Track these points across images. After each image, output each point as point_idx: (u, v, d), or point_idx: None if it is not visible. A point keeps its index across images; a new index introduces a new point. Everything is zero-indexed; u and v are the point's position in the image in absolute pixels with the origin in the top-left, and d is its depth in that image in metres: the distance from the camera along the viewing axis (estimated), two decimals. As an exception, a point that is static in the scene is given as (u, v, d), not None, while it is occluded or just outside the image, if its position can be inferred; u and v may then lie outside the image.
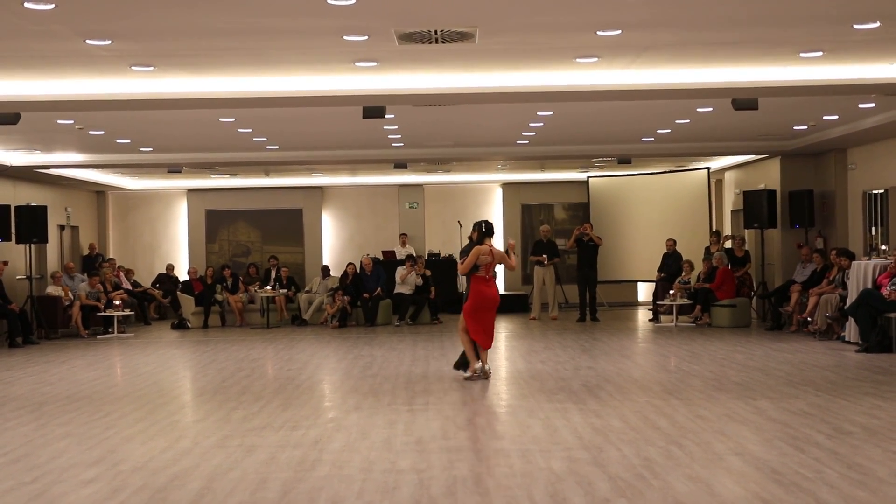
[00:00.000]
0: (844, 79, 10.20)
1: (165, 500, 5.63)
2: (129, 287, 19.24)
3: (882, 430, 7.26)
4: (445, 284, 19.87)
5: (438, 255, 21.03)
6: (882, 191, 15.44)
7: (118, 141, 14.83)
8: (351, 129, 14.13)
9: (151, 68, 9.47)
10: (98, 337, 16.39)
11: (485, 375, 10.24)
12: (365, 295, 17.96)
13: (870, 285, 12.58)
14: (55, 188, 19.59)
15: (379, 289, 18.06)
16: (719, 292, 16.43)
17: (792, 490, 5.55)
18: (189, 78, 10.05)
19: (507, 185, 22.47)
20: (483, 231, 10.39)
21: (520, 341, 14.47)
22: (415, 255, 19.46)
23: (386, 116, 11.48)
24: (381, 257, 20.11)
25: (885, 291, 12.19)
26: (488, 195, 22.64)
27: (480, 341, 10.28)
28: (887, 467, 6.07)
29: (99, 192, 22.03)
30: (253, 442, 7.25)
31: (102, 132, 13.79)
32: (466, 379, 10.25)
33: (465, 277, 10.69)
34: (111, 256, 21.21)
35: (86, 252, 20.94)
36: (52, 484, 6.07)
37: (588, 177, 20.92)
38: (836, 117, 13.78)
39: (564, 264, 21.32)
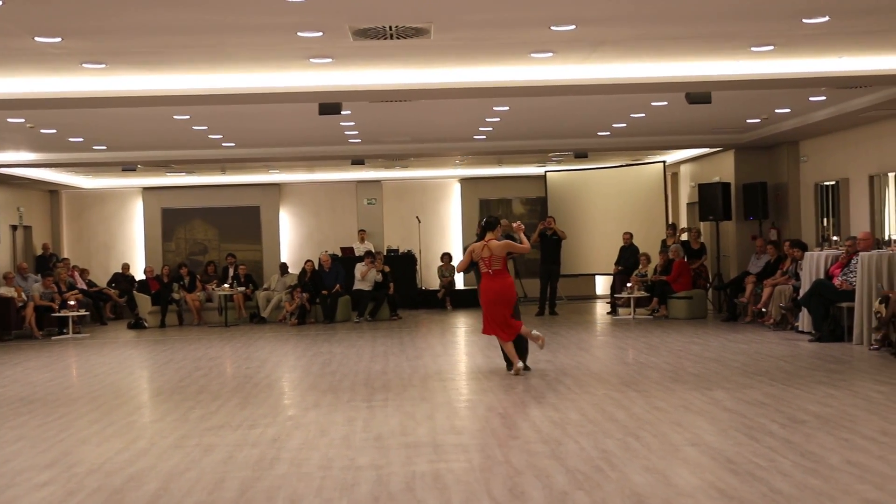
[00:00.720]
0: (795, 72, 10.34)
1: (121, 501, 5.58)
2: (85, 287, 19.01)
3: (834, 418, 7.38)
4: (404, 280, 19.86)
5: (397, 251, 21.02)
6: (833, 182, 15.68)
7: (71, 139, 14.65)
8: (307, 126, 14.07)
9: (103, 66, 9.35)
10: (53, 338, 16.17)
11: (515, 372, 10.05)
12: (324, 292, 17.90)
13: (822, 276, 12.77)
14: (7, 187, 19.30)
15: (338, 285, 18.01)
16: (676, 284, 16.59)
17: (746, 479, 5.63)
18: (142, 75, 9.95)
19: (465, 181, 22.50)
20: (483, 226, 10.47)
21: (478, 336, 14.47)
22: (374, 251, 19.44)
23: (342, 112, 11.45)
24: (339, 254, 20.06)
25: (836, 282, 12.37)
26: (446, 191, 22.66)
27: (497, 335, 10.22)
28: (839, 455, 6.17)
29: (52, 192, 21.73)
30: (210, 441, 7.21)
31: (54, 130, 13.61)
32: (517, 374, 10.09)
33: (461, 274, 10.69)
34: (65, 256, 20.94)
35: (39, 252, 20.66)
36: (4, 488, 5.99)
37: (545, 171, 21.02)
38: (787, 110, 13.97)
39: (523, 259, 21.38)
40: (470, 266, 10.52)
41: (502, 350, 10.36)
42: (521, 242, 10.43)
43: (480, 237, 10.47)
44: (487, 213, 21.98)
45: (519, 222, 10.80)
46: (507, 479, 5.80)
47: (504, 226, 10.86)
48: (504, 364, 10.42)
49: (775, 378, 9.44)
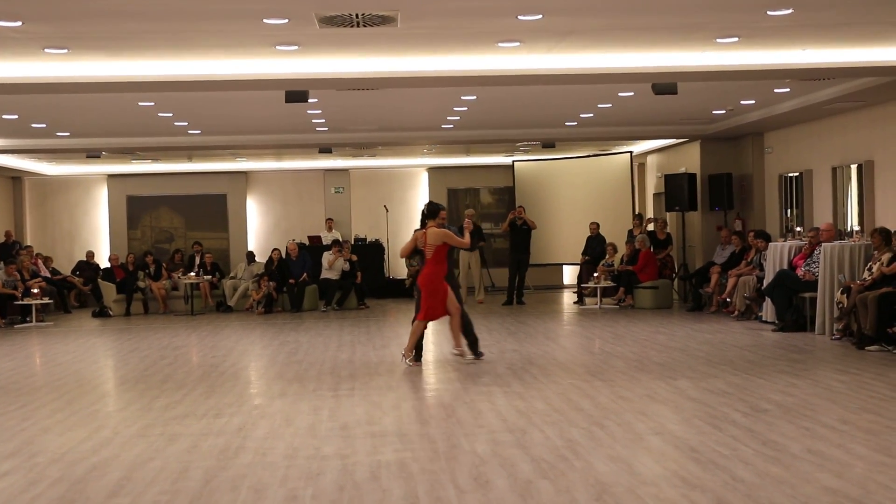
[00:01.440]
0: (759, 64, 10.42)
1: (83, 491, 5.54)
2: (48, 275, 18.80)
3: (796, 407, 7.47)
4: (372, 270, 19.83)
5: (365, 239, 20.98)
6: (797, 174, 15.83)
7: (33, 125, 14.46)
8: (274, 114, 13.99)
9: (65, 51, 9.23)
10: (16, 326, 15.99)
11: (461, 353, 10.38)
12: (291, 280, 17.83)
13: (786, 266, 12.90)
14: (-32, 174, 19.03)
15: (305, 274, 17.95)
16: (642, 274, 16.69)
17: (709, 468, 5.68)
18: (105, 61, 9.82)
19: (433, 170, 22.48)
20: (424, 214, 10.50)
21: (446, 325, 14.48)
22: (341, 240, 19.39)
23: (309, 100, 11.38)
24: (307, 242, 19.99)
25: (800, 272, 12.51)
26: (414, 179, 22.63)
27: (432, 316, 10.32)
28: (800, 443, 6.24)
29: (15, 178, 21.46)
30: (175, 430, 7.17)
31: (16, 116, 13.43)
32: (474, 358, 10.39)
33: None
34: (28, 244, 20.68)
35: (2, 240, 20.39)
36: (-35, 478, 5.92)
37: (513, 161, 21.05)
38: (752, 102, 14.07)
39: (490, 248, 21.44)
40: (413, 252, 10.71)
41: (456, 330, 10.41)
42: (462, 237, 10.50)
43: (422, 225, 10.55)
44: (455, 203, 22.11)
45: (468, 221, 10.97)
46: (472, 468, 5.82)
47: (469, 214, 10.88)
48: (462, 349, 10.46)
49: (739, 367, 9.54)
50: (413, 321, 10.47)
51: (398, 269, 21.57)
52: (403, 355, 10.34)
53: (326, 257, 18.14)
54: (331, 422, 7.37)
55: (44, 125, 14.51)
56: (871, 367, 9.40)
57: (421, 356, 10.47)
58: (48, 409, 8.28)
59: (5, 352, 12.59)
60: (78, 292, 19.54)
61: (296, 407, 8.04)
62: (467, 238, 10.58)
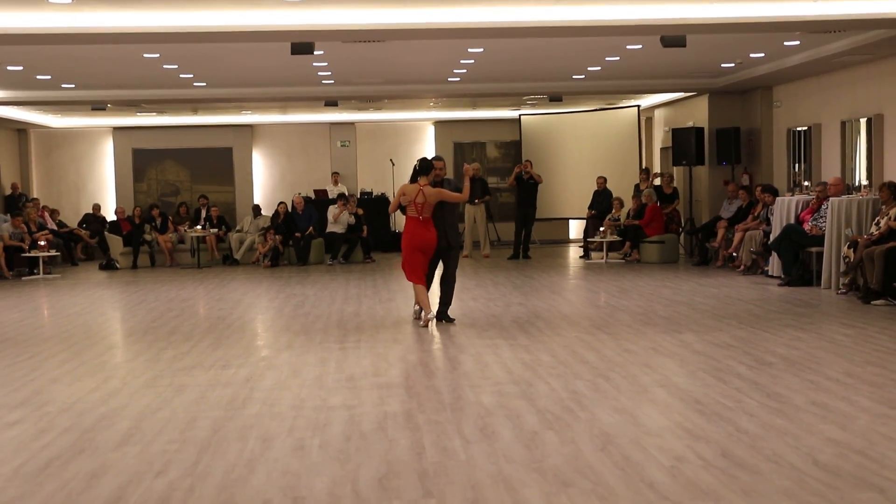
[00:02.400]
0: (769, 16, 10.31)
1: (93, 440, 5.59)
2: (55, 227, 18.84)
3: (801, 360, 7.49)
4: (378, 223, 19.83)
5: (371, 193, 20.95)
6: (805, 128, 15.74)
7: (38, 77, 14.39)
8: (280, 66, 13.90)
9: (70, 1, 9.16)
10: (23, 278, 16.05)
11: (423, 321, 9.67)
12: (297, 234, 17.85)
13: (793, 221, 12.87)
14: (-26, 126, 18.99)
15: (311, 228, 17.96)
16: (648, 229, 16.67)
17: (713, 419, 5.72)
18: (110, 12, 9.75)
19: (439, 123, 22.37)
20: (416, 169, 9.86)
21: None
22: (347, 193, 19.37)
23: (315, 53, 11.30)
24: (312, 196, 19.97)
25: (807, 227, 12.48)
26: (420, 133, 22.54)
27: (407, 276, 9.94)
28: (804, 395, 6.27)
29: (20, 130, 21.41)
30: (183, 382, 7.22)
31: (21, 68, 13.37)
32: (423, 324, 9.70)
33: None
34: (35, 196, 20.71)
35: (8, 192, 20.42)
36: (-24, 427, 5.99)
37: (520, 115, 20.93)
38: (762, 55, 13.95)
39: (497, 203, 21.41)
40: (400, 207, 9.97)
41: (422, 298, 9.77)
42: (463, 189, 9.88)
43: (413, 180, 9.83)
44: (461, 157, 22.04)
45: (467, 166, 10.31)
46: (477, 419, 5.86)
47: (474, 169, 10.19)
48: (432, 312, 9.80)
49: (744, 321, 9.56)
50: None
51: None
52: (417, 318, 9.87)
53: (332, 211, 18.14)
54: (337, 373, 7.42)
55: (49, 77, 14.45)
56: (877, 321, 9.41)
57: (446, 309, 9.95)
58: (57, 359, 8.34)
59: (13, 303, 12.65)
60: (84, 245, 19.59)
61: (302, 359, 8.08)
62: (467, 186, 9.92)
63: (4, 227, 16.84)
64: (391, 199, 20.98)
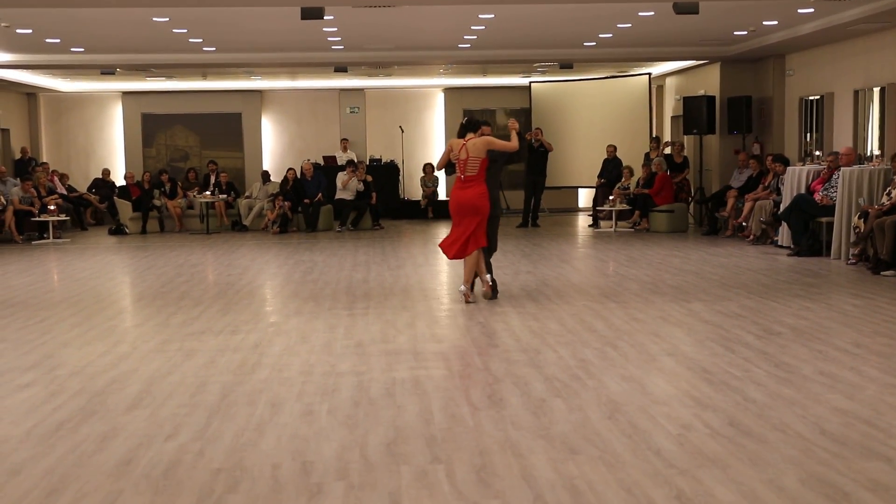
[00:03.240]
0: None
1: (104, 403, 5.63)
2: (64, 192, 18.87)
3: (809, 330, 7.49)
4: (387, 190, 19.81)
5: (380, 160, 20.90)
6: (818, 97, 15.62)
7: (48, 40, 14.35)
8: (289, 31, 13.83)
9: (79, -36, 9.12)
10: (33, 242, 16.11)
11: (465, 298, 9.00)
12: (306, 200, 17.85)
13: (803, 191, 12.81)
14: (-17, 90, 18.98)
15: (320, 194, 17.95)
16: (658, 198, 16.62)
17: (721, 388, 5.73)
18: (119, -25, 9.71)
19: (449, 90, 22.27)
20: (463, 125, 9.11)
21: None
22: (356, 160, 19.32)
23: (325, 17, 11.24)
24: (321, 162, 19.94)
25: (817, 197, 12.43)
26: (430, 100, 22.44)
27: (444, 250, 9.17)
28: (812, 365, 6.28)
29: (30, 94, 21.38)
30: (192, 346, 7.26)
31: (30, 31, 13.32)
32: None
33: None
34: (44, 160, 20.72)
35: (18, 156, 20.44)
36: (-13, 389, 6.03)
37: (530, 82, 20.82)
38: (775, 23, 13.82)
39: (506, 171, 21.30)
40: (449, 164, 9.20)
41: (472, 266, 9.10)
42: (511, 139, 9.09)
43: (461, 136, 9.08)
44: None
45: (513, 121, 9.42)
46: (486, 386, 5.88)
47: (511, 127, 9.41)
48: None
49: (753, 291, 9.55)
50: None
51: (413, 190, 21.54)
52: (464, 294, 9.03)
53: (341, 177, 18.12)
54: (346, 339, 7.44)
55: (58, 40, 14.41)
56: (886, 291, 9.39)
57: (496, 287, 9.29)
58: (67, 323, 8.38)
59: (24, 267, 12.71)
60: (94, 210, 19.63)
61: (311, 325, 8.11)
62: (514, 136, 9.10)
63: (14, 191, 16.88)
64: (400, 166, 21.00)
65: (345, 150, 20.72)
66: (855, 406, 5.30)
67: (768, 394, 5.58)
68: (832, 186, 12.24)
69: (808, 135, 16.13)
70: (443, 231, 17.11)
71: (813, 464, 4.35)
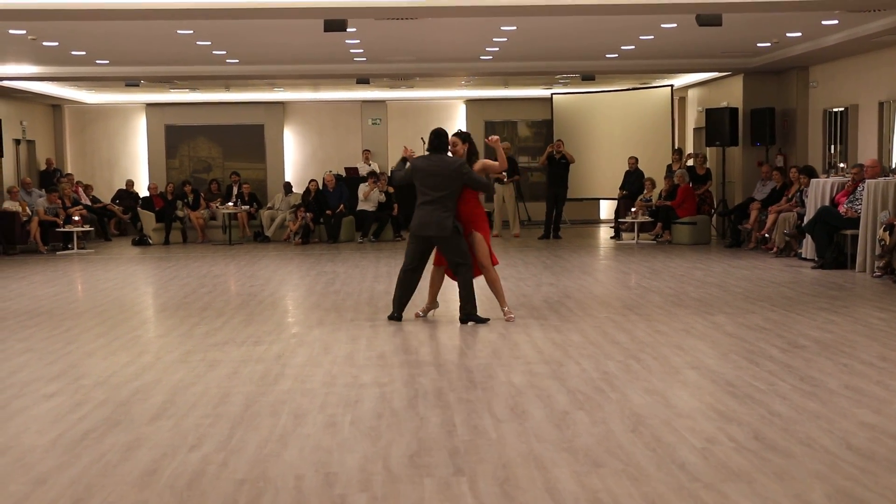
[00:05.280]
0: (809, -5, 10.17)
1: (128, 413, 5.66)
2: (89, 203, 19.02)
3: (834, 343, 7.43)
4: (409, 201, 19.77)
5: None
6: (842, 109, 15.53)
7: (73, 53, 14.49)
8: (312, 43, 13.90)
9: (105, -23, 9.21)
10: (57, 253, 16.23)
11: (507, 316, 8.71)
12: (328, 212, 17.90)
13: (827, 203, 12.73)
14: (9, 101, 19.16)
15: (342, 205, 18.00)
16: (680, 210, 16.56)
17: (745, 402, 5.69)
18: (145, -12, 9.80)
19: (470, 102, 22.30)
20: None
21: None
22: (378, 171, 19.37)
23: (347, 30, 11.28)
24: (343, 174, 20.00)
25: (842, 209, 12.34)
26: (452, 112, 22.48)
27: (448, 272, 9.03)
28: (837, 379, 6.23)
29: (55, 106, 21.59)
30: (215, 357, 7.28)
31: (56, 43, 13.46)
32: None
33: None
34: (69, 172, 20.90)
35: (43, 167, 20.62)
36: (13, 398, 6.07)
37: (552, 94, 20.82)
38: (799, 34, 13.76)
39: (527, 182, 21.34)
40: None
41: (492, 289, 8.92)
42: (498, 159, 8.89)
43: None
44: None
45: (494, 136, 9.02)
46: (508, 398, 5.87)
47: (506, 149, 9.04)
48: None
49: (777, 304, 9.48)
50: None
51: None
52: (505, 314, 8.75)
53: (362, 189, 18.16)
54: (368, 351, 7.45)
55: (83, 53, 14.54)
56: (912, 305, 9.31)
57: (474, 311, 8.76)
58: (91, 333, 8.43)
59: (48, 278, 12.80)
60: (118, 220, 19.77)
61: (334, 336, 8.12)
62: (501, 154, 8.84)
63: (40, 201, 17.02)
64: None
65: (367, 161, 20.77)
66: (882, 420, 5.25)
67: (793, 407, 5.54)
68: (857, 199, 12.16)
69: (832, 147, 16.03)
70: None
71: (839, 479, 4.31)
